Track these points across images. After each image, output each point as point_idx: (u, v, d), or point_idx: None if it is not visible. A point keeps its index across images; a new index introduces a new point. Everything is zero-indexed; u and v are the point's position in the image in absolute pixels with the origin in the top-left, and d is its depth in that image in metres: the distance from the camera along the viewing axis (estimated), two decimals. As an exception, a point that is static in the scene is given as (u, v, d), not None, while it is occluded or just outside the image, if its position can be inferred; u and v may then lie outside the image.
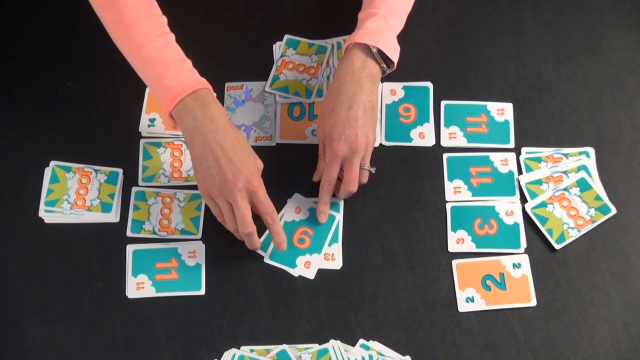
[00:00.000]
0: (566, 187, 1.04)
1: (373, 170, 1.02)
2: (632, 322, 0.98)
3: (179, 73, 0.96)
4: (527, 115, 1.09)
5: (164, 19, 0.99)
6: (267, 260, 1.01)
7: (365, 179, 1.02)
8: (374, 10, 1.02)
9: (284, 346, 0.96)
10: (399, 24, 1.04)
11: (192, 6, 1.17)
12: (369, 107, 1.00)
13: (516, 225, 1.03)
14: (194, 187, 1.05)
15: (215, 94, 0.98)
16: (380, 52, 1.00)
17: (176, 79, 0.95)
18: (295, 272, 1.00)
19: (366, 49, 1.00)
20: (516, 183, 1.05)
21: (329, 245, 1.02)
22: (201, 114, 0.94)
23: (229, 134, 0.95)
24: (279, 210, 1.03)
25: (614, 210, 1.03)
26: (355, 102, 0.98)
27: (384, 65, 1.02)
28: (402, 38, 1.05)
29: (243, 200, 0.94)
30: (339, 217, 1.03)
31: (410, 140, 1.08)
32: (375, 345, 0.96)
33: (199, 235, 1.03)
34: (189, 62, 0.98)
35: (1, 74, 1.12)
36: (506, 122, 1.09)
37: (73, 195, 1.04)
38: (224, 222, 0.98)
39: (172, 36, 0.98)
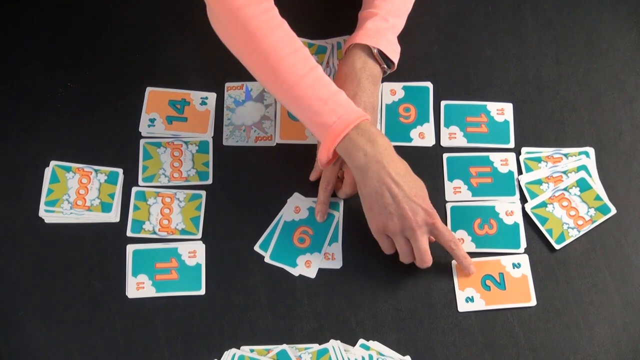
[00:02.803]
0: (566, 187, 1.04)
1: None
2: (632, 322, 0.98)
3: (338, 107, 0.93)
4: (527, 115, 1.09)
5: (307, 51, 0.95)
6: (267, 260, 1.01)
7: None
8: (375, 10, 1.02)
9: (284, 346, 0.96)
10: (400, 23, 1.04)
11: (192, 6, 1.17)
12: (369, 108, 1.00)
13: (516, 225, 1.03)
14: (194, 187, 1.05)
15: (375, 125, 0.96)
16: (380, 52, 1.00)
17: (336, 114, 0.92)
18: (295, 271, 1.00)
19: (367, 49, 1.00)
20: (516, 183, 1.05)
21: (329, 244, 1.02)
22: (371, 149, 0.92)
23: (400, 167, 0.93)
24: (278, 210, 1.03)
25: (614, 210, 1.03)
26: (355, 102, 0.98)
27: (385, 66, 1.02)
28: (402, 38, 1.05)
29: (423, 235, 0.94)
30: (339, 216, 1.03)
31: (410, 140, 1.08)
32: (375, 345, 0.97)
33: (199, 235, 1.03)
34: (344, 94, 0.94)
35: (1, 74, 1.12)
36: (506, 122, 1.09)
37: (73, 195, 1.04)
38: (392, 253, 0.97)
39: (320, 68, 0.95)
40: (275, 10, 0.94)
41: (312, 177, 1.04)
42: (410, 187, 0.93)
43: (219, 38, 0.97)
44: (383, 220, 0.94)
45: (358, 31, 1.02)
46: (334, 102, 0.93)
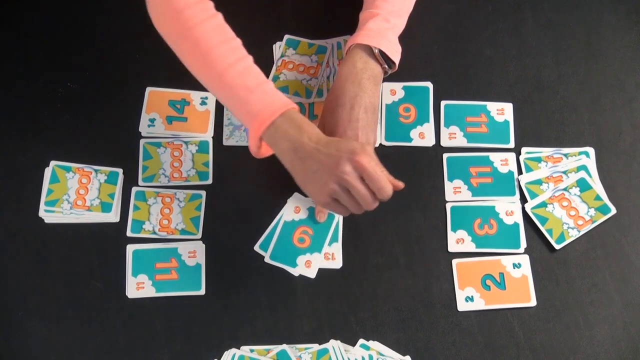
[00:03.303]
0: (566, 187, 1.04)
1: None
2: (632, 322, 0.98)
3: (264, 96, 0.93)
4: (527, 115, 1.09)
5: (238, 42, 0.95)
6: (267, 260, 1.01)
7: None
8: (376, 11, 1.02)
9: (284, 346, 0.96)
10: (401, 24, 1.04)
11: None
12: (370, 108, 1.00)
13: (516, 225, 1.03)
14: (194, 187, 1.05)
15: (303, 113, 0.96)
16: (382, 53, 1.00)
17: (262, 103, 0.92)
18: (295, 271, 1.00)
19: (368, 49, 1.00)
20: (516, 183, 1.05)
21: (329, 244, 1.02)
22: (295, 134, 0.91)
23: (323, 138, 0.91)
24: (278, 210, 1.03)
25: (613, 210, 1.03)
26: (356, 103, 0.98)
27: (386, 66, 1.02)
28: (402, 38, 1.05)
29: (355, 180, 0.88)
30: (339, 216, 1.03)
31: (410, 140, 1.08)
32: (375, 345, 0.97)
33: (199, 235, 1.03)
34: (272, 84, 0.94)
35: (1, 74, 1.12)
36: (506, 122, 1.09)
37: (73, 195, 1.04)
38: (352, 211, 0.92)
39: (251, 59, 0.94)
40: (211, 3, 0.95)
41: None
42: (330, 144, 0.89)
43: (156, 28, 0.97)
44: (320, 186, 0.90)
45: (359, 31, 1.02)
46: (261, 90, 0.93)
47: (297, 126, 0.91)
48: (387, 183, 0.89)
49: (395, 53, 1.02)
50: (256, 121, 0.92)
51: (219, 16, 0.95)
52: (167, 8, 0.94)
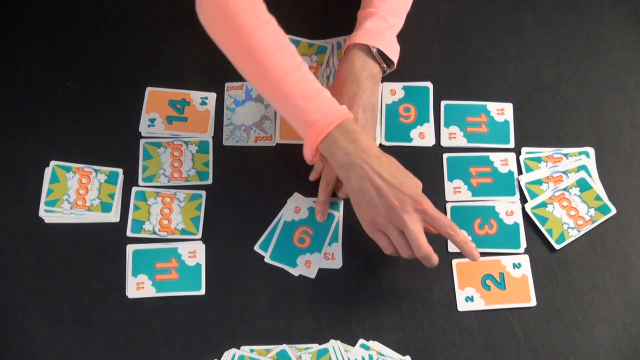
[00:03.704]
0: (566, 187, 1.04)
1: None
2: (632, 322, 0.98)
3: (322, 105, 0.92)
4: (527, 115, 1.09)
5: (293, 48, 0.94)
6: (267, 260, 1.01)
7: None
8: (374, 10, 1.02)
9: (284, 346, 0.96)
10: (399, 23, 1.04)
11: (192, 6, 1.17)
12: (369, 107, 1.00)
13: (516, 225, 1.03)
14: (194, 187, 1.05)
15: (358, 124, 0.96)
16: (380, 52, 1.00)
17: (320, 112, 0.92)
18: (295, 271, 1.00)
19: (366, 49, 1.00)
20: (516, 183, 1.05)
21: (329, 244, 1.02)
22: (353, 148, 0.91)
23: (384, 161, 0.92)
24: (278, 210, 1.03)
25: (614, 210, 1.03)
26: (355, 102, 0.98)
27: (384, 65, 1.02)
28: (402, 38, 1.05)
29: (414, 222, 0.91)
30: (339, 216, 1.03)
31: (410, 140, 1.08)
32: (375, 345, 0.97)
33: (199, 235, 1.03)
34: (328, 93, 0.94)
35: (1, 74, 1.12)
36: (506, 122, 1.09)
37: (73, 195, 1.04)
38: (395, 253, 0.95)
39: (306, 66, 0.94)
40: (264, 5, 0.94)
41: (312, 177, 1.04)
42: (395, 177, 0.91)
43: (207, 32, 0.97)
44: (372, 215, 0.92)
45: (357, 31, 1.02)
46: (318, 100, 0.93)
47: (353, 139, 0.91)
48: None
49: (393, 52, 1.02)
50: (312, 131, 0.92)
51: (273, 21, 0.94)
52: (220, 12, 0.92)
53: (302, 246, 1.02)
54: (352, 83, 0.99)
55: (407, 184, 0.92)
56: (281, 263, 1.01)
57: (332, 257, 1.01)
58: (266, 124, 1.09)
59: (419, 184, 0.94)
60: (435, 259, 0.93)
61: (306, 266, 1.01)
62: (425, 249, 0.92)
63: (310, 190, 1.04)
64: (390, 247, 0.94)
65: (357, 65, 1.00)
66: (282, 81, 0.92)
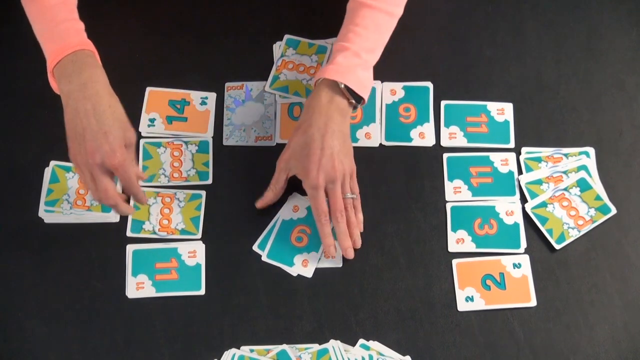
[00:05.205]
0: (566, 187, 1.04)
1: (355, 197, 1.01)
2: (632, 322, 0.98)
3: (65, 32, 0.95)
4: (527, 115, 1.09)
5: None
6: (264, 258, 1.01)
7: (353, 210, 1.01)
8: (347, 44, 1.00)
9: (284, 346, 0.96)
10: (373, 58, 1.02)
11: (192, 6, 1.17)
12: (340, 136, 0.98)
13: (516, 225, 1.03)
14: (194, 187, 1.05)
15: (98, 58, 0.98)
16: (348, 88, 0.99)
17: (61, 37, 0.95)
18: (293, 270, 1.00)
19: (334, 84, 0.99)
20: (516, 183, 1.05)
21: (329, 244, 1.02)
22: (77, 78, 0.93)
23: (102, 102, 0.93)
24: (278, 209, 1.03)
25: (614, 210, 1.03)
26: (327, 132, 0.97)
27: (353, 101, 1.00)
28: (402, 38, 1.05)
29: (103, 174, 0.93)
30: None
31: (410, 140, 1.08)
32: (375, 345, 0.96)
33: (199, 235, 1.03)
34: (81, 25, 0.98)
35: (1, 74, 1.12)
36: (506, 122, 1.09)
37: (73, 195, 1.04)
38: (95, 197, 0.96)
39: (74, 0, 0.98)
40: None
41: (258, 204, 1.03)
42: (103, 123, 0.92)
43: None
44: (74, 149, 0.93)
45: (328, 65, 1.00)
46: (66, 26, 0.96)
47: (80, 70, 0.93)
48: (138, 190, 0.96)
49: (363, 89, 1.00)
50: (50, 55, 0.95)
51: None
52: None
53: (299, 245, 1.02)
54: (321, 115, 0.98)
55: (111, 134, 0.92)
56: (278, 262, 1.01)
57: (332, 255, 1.01)
58: (266, 124, 1.09)
59: (129, 136, 0.95)
60: (125, 208, 0.97)
61: (303, 265, 1.01)
62: (111, 199, 0.94)
63: (310, 190, 1.04)
64: (86, 185, 0.96)
65: (323, 100, 0.99)
66: (42, 1, 0.96)
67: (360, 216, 1.02)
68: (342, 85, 0.98)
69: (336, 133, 0.98)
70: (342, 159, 0.98)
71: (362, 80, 1.00)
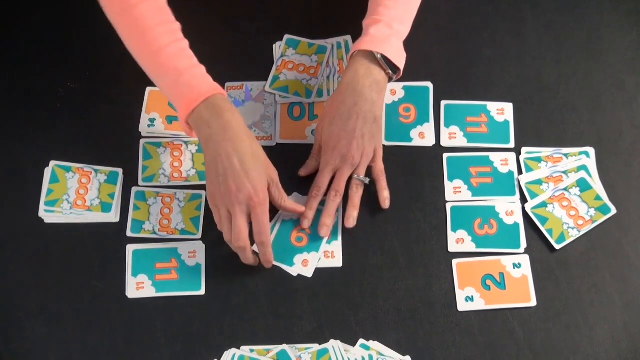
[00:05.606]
0: (566, 187, 1.04)
1: (366, 181, 1.01)
2: (632, 322, 0.98)
3: (192, 80, 0.94)
4: (527, 115, 1.09)
5: (177, 26, 0.97)
6: (265, 259, 1.01)
7: (358, 192, 1.01)
8: (378, 17, 1.01)
9: (284, 346, 0.96)
10: (405, 29, 1.03)
11: (192, 6, 1.17)
12: (370, 118, 0.98)
13: (516, 225, 1.03)
14: (194, 187, 1.05)
15: (230, 100, 0.97)
16: (385, 58, 1.00)
17: (189, 87, 0.94)
18: (293, 270, 1.00)
19: (371, 55, 1.00)
20: (516, 183, 1.05)
21: (329, 242, 1.02)
22: (215, 123, 0.93)
23: (243, 144, 0.93)
24: (278, 209, 1.03)
25: (614, 210, 1.03)
26: (355, 112, 0.98)
27: (390, 72, 1.01)
28: (402, 38, 1.05)
29: (241, 213, 0.93)
30: (339, 215, 1.03)
31: (410, 140, 1.08)
32: (375, 345, 0.96)
33: (199, 235, 1.03)
34: (203, 68, 0.96)
35: (1, 74, 1.12)
36: (506, 122, 1.09)
37: (73, 195, 1.04)
38: (222, 230, 0.97)
39: (186, 42, 0.97)
40: None
41: (301, 172, 1.04)
42: (245, 163, 0.93)
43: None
44: (212, 189, 0.95)
45: (362, 38, 1.01)
46: (190, 74, 0.95)
47: (218, 114, 0.93)
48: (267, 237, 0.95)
49: (399, 58, 1.01)
50: (182, 104, 0.95)
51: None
52: None
53: (299, 245, 1.02)
54: (354, 92, 0.98)
55: (253, 174, 0.93)
56: (278, 262, 1.01)
57: (332, 255, 1.01)
58: (266, 124, 1.09)
59: (272, 176, 0.96)
60: (250, 257, 0.97)
61: (303, 265, 1.01)
62: (242, 241, 0.94)
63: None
64: (220, 224, 0.96)
65: (360, 72, 0.99)
66: (158, 53, 0.95)
67: (386, 193, 1.02)
68: (379, 55, 0.99)
69: (363, 114, 0.98)
70: (364, 143, 0.98)
71: (397, 50, 1.01)
